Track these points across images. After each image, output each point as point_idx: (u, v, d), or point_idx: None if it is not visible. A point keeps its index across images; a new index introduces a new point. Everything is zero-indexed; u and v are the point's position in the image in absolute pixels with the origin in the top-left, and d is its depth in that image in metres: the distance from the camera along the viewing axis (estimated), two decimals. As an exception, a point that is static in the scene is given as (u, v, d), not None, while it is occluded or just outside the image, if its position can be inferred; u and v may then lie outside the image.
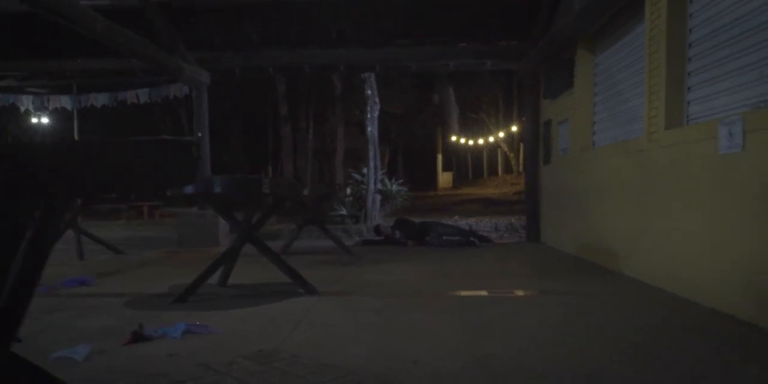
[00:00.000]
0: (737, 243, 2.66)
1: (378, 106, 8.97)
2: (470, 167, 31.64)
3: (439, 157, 28.50)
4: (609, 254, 4.32)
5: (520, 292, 3.57)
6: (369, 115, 8.94)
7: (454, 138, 26.62)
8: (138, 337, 2.42)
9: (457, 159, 31.89)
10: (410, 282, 4.10)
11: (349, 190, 9.09)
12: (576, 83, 5.35)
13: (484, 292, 3.59)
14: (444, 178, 28.20)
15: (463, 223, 8.18)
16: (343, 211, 8.47)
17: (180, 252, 6.25)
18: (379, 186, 8.87)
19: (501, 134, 24.13)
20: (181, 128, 18.90)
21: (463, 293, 3.57)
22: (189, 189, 3.34)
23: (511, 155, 24.36)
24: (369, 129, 8.91)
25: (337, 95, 15.99)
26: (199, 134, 7.37)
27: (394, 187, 9.37)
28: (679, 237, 3.22)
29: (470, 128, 26.07)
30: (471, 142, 26.70)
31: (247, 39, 7.56)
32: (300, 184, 3.69)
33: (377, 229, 6.87)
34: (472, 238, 6.38)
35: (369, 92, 8.97)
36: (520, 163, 21.96)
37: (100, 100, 8.42)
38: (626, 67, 4.38)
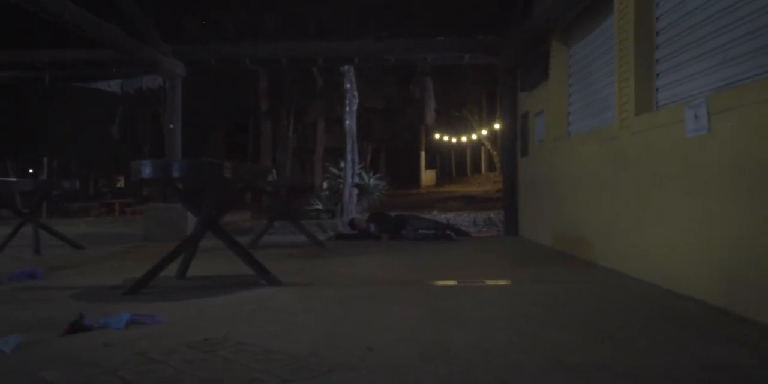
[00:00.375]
0: (706, 226, 2.61)
1: (357, 100, 8.86)
2: (454, 165, 31.69)
3: (423, 155, 28.48)
4: (583, 244, 4.27)
5: (492, 282, 3.50)
6: (348, 109, 8.82)
7: (437, 136, 26.62)
8: (77, 328, 2.28)
9: (441, 157, 31.94)
10: (380, 273, 4.01)
11: (325, 184, 8.95)
12: (551, 75, 5.32)
13: (455, 282, 3.52)
14: (427, 176, 28.19)
15: (441, 217, 8.11)
16: (319, 206, 8.33)
17: (145, 247, 6.05)
18: (357, 180, 8.74)
19: (484, 132, 24.18)
20: (158, 122, 18.50)
21: (434, 283, 3.49)
22: (147, 173, 3.19)
23: (495, 153, 24.42)
24: (347, 122, 8.80)
25: (318, 91, 15.82)
26: (171, 126, 7.19)
27: (372, 181, 9.25)
28: (651, 223, 3.17)
29: (454, 126, 26.08)
30: (454, 140, 26.73)
31: (224, 30, 7.40)
32: (268, 169, 3.52)
33: (352, 223, 6.75)
34: (448, 232, 6.30)
35: (348, 86, 8.85)
36: (503, 162, 21.92)
37: (69, 91, 8.18)
38: (599, 57, 4.34)
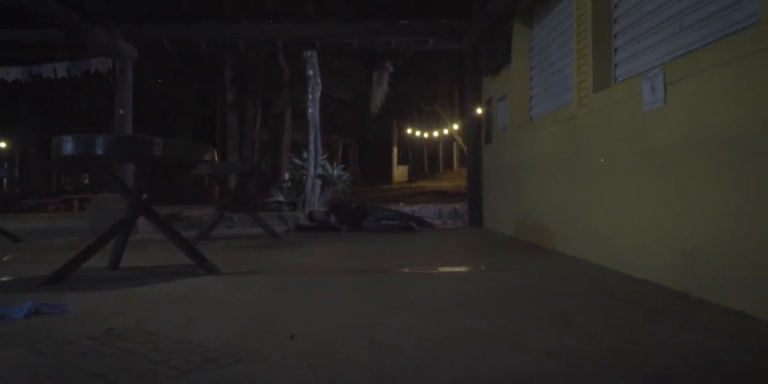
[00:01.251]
0: (661, 206, 2.48)
1: (320, 87, 8.59)
2: (426, 161, 31.64)
3: (395, 150, 28.31)
4: (543, 231, 4.15)
5: (443, 269, 3.36)
6: (310, 97, 8.53)
7: (410, 131, 26.47)
8: (-35, 318, 1.99)
9: (413, 152, 31.83)
10: (332, 263, 3.81)
11: (287, 175, 8.65)
12: (513, 58, 5.17)
13: (408, 270, 3.35)
14: (399, 172, 28.04)
15: (407, 209, 7.93)
16: (281, 198, 8.04)
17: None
18: (320, 171, 8.48)
19: (456, 127, 24.12)
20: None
21: (387, 272, 3.30)
22: (68, 149, 2.89)
23: (466, 148, 24.39)
24: (310, 111, 8.51)
25: (285, 82, 15.43)
26: (121, 111, 6.78)
27: (336, 172, 8.99)
28: (606, 206, 3.04)
29: (426, 121, 25.98)
30: (426, 135, 26.63)
31: (178, 11, 7.05)
32: (207, 149, 3.23)
33: (311, 215, 6.51)
34: (411, 223, 6.13)
35: (311, 73, 8.56)
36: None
37: (11, 74, 7.62)
38: (559, 36, 4.20)
